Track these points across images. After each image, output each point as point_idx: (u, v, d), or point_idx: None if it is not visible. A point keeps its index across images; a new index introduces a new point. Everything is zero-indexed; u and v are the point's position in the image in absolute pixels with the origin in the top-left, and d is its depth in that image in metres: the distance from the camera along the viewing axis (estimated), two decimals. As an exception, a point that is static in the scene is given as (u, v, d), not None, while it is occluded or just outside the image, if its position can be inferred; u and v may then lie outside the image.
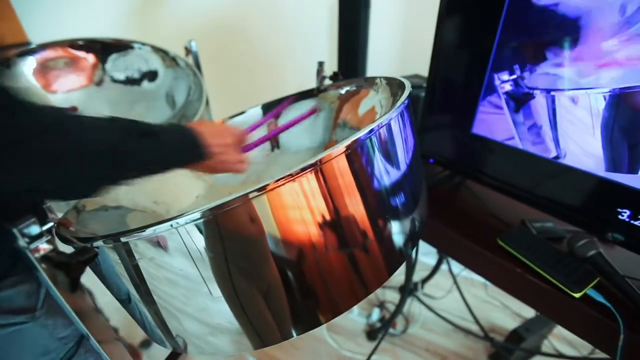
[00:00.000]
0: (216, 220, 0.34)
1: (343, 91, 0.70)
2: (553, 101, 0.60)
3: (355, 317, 1.26)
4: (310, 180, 0.36)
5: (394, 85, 0.54)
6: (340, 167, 0.37)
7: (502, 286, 0.69)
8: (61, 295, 0.30)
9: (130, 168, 0.36)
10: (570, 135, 0.60)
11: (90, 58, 0.98)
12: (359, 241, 0.41)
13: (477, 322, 1.14)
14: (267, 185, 0.33)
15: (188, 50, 1.04)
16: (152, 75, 1.02)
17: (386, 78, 0.57)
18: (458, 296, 1.19)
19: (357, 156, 0.38)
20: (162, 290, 0.39)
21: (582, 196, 0.63)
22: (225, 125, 0.50)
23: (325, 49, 1.21)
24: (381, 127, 0.39)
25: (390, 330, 1.19)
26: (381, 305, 1.29)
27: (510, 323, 1.18)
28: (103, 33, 1.02)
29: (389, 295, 1.33)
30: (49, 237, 0.29)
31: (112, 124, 0.36)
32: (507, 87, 0.65)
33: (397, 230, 0.44)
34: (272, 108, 0.75)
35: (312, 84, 0.76)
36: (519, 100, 0.64)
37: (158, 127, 0.41)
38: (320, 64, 0.80)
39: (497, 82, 0.66)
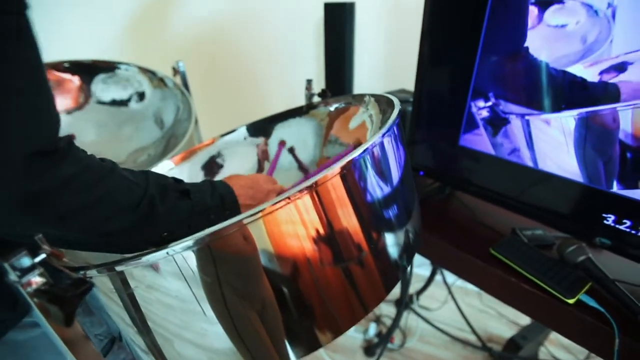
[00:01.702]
0: (209, 247, 0.34)
1: (332, 108, 0.71)
2: (528, 124, 0.63)
3: (352, 333, 1.24)
4: (306, 202, 0.36)
5: (383, 102, 0.55)
6: (335, 187, 0.38)
7: (497, 295, 0.69)
8: (52, 327, 0.29)
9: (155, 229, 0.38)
10: (547, 155, 0.63)
11: (76, 80, 0.97)
12: (354, 256, 0.41)
13: (474, 332, 1.14)
14: (264, 209, 0.33)
15: (176, 71, 1.04)
16: (139, 96, 1.02)
17: (374, 95, 0.59)
18: (454, 306, 1.19)
19: (351, 175, 0.39)
20: (158, 317, 0.38)
21: (569, 203, 0.65)
22: (259, 176, 0.52)
23: (312, 66, 1.23)
24: (374, 146, 0.39)
25: (388, 345, 1.18)
26: (377, 320, 1.27)
27: (506, 331, 1.19)
28: (90, 55, 1.02)
29: (385, 309, 1.32)
30: (42, 270, 0.28)
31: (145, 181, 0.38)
32: (484, 113, 0.68)
33: (391, 243, 0.45)
34: (259, 128, 0.76)
35: (299, 101, 0.77)
36: (496, 126, 0.67)
37: (189, 185, 0.42)
38: (309, 81, 0.82)
39: (474, 110, 0.69)
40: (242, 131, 0.76)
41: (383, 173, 0.42)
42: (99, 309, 0.45)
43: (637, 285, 0.58)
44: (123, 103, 1.01)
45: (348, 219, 0.40)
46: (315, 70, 1.23)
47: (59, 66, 0.95)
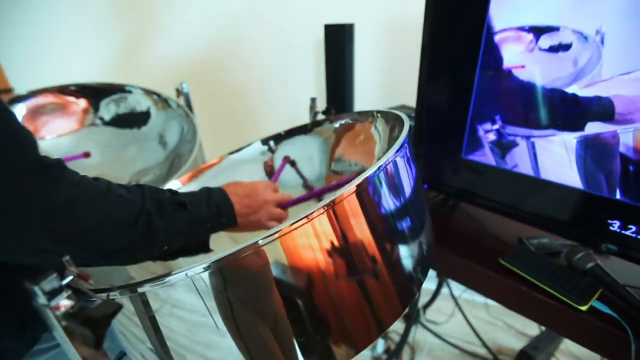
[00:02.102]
0: (222, 269, 0.34)
1: (337, 125, 0.73)
2: (533, 146, 0.65)
3: (360, 351, 1.22)
4: (322, 221, 0.37)
5: (390, 119, 0.57)
6: (351, 204, 0.38)
7: (508, 305, 0.69)
8: (77, 350, 0.29)
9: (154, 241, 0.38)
10: (551, 171, 0.65)
11: (82, 103, 0.99)
12: (369, 268, 0.41)
13: (485, 345, 1.13)
14: (281, 229, 0.34)
15: (179, 92, 1.06)
16: (143, 118, 1.03)
17: (381, 112, 0.60)
18: (461, 320, 1.18)
19: (366, 192, 0.40)
20: (171, 330, 0.38)
21: (574, 211, 0.66)
22: (257, 184, 0.52)
23: (312, 85, 1.26)
24: (388, 163, 0.40)
25: (398, 361, 1.15)
26: (385, 336, 1.25)
27: (515, 343, 1.17)
28: (93, 77, 1.03)
29: (393, 325, 1.30)
30: (69, 292, 0.28)
31: (142, 196, 0.38)
32: (491, 136, 0.70)
33: (405, 255, 0.45)
34: (264, 145, 0.77)
35: (300, 120, 0.78)
36: (504, 148, 0.68)
37: (185, 196, 0.42)
38: (313, 99, 0.83)
39: (481, 133, 0.71)
40: (249, 149, 0.77)
41: (396, 188, 0.43)
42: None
43: (647, 290, 0.59)
44: (127, 124, 1.03)
45: (362, 233, 0.40)
46: (316, 89, 1.25)
47: (64, 89, 0.97)
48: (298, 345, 0.38)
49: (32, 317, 0.41)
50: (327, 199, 0.36)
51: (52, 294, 0.27)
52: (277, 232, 0.34)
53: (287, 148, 0.77)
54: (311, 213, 0.35)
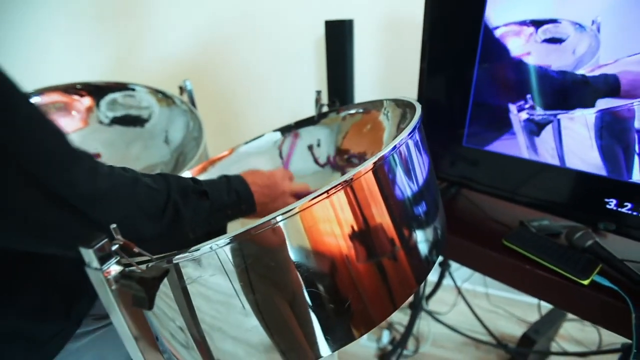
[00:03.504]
0: (244, 242, 0.35)
1: (346, 115, 0.75)
2: (559, 124, 0.67)
3: (366, 342, 1.24)
4: (340, 197, 0.38)
5: (400, 105, 0.59)
6: (368, 182, 0.40)
7: (513, 284, 0.72)
8: (125, 317, 0.30)
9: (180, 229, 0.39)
10: (572, 150, 0.67)
11: (86, 101, 0.99)
12: (388, 250, 0.43)
13: (488, 331, 1.15)
14: (301, 204, 0.35)
15: (182, 90, 1.07)
16: (147, 116, 1.04)
17: (392, 100, 0.63)
18: (462, 310, 1.20)
19: (382, 171, 0.41)
20: (204, 313, 0.39)
21: (572, 192, 0.69)
22: (276, 174, 0.54)
23: (313, 80, 1.28)
24: (402, 143, 0.42)
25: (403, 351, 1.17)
26: (390, 327, 1.27)
27: (517, 329, 1.21)
28: (93, 77, 1.04)
29: (396, 315, 1.32)
30: (118, 258, 0.29)
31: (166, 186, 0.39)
32: (524, 115, 0.70)
33: (421, 238, 0.46)
34: (278, 133, 0.79)
35: (303, 114, 0.80)
36: (540, 126, 0.69)
37: (206, 184, 0.43)
38: (318, 92, 0.86)
39: (513, 112, 0.72)
40: (259, 141, 0.79)
41: (411, 169, 0.45)
42: None
43: (644, 263, 0.62)
44: (131, 122, 1.03)
45: (380, 212, 0.41)
46: (317, 85, 1.28)
47: (68, 88, 0.97)
48: (318, 320, 0.40)
49: (77, 296, 0.42)
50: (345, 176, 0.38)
51: (103, 259, 0.28)
52: (297, 206, 0.35)
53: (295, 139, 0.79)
54: (330, 189, 0.36)
